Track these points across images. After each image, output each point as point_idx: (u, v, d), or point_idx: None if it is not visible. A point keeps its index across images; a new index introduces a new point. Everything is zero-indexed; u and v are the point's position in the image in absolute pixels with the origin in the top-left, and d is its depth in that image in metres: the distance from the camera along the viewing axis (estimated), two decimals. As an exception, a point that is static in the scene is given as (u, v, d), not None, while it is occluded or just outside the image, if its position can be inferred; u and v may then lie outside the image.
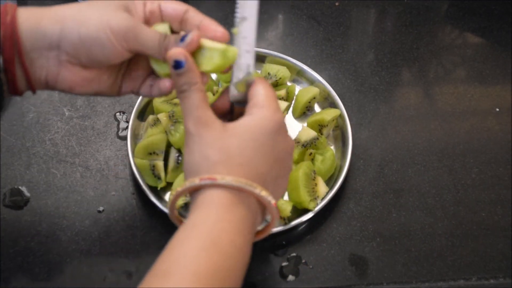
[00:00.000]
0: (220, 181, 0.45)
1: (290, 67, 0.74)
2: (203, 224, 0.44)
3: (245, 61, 0.51)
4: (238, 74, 0.51)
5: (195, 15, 0.53)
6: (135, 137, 0.67)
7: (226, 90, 0.52)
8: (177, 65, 0.48)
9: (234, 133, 0.48)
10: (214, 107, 0.51)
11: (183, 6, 0.53)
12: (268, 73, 0.73)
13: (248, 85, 0.51)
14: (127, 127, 0.67)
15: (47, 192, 0.65)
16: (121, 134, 0.70)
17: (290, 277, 0.61)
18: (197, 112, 0.48)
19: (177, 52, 0.48)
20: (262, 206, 0.49)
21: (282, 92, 0.72)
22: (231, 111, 0.53)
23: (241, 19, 0.51)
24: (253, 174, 0.47)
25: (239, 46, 0.51)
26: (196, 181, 0.46)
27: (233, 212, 0.45)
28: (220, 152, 0.46)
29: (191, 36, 0.49)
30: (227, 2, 0.85)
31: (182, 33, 0.51)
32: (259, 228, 0.51)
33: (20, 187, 0.65)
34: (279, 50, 0.76)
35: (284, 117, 0.51)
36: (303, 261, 0.62)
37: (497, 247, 0.65)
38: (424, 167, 0.71)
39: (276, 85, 0.73)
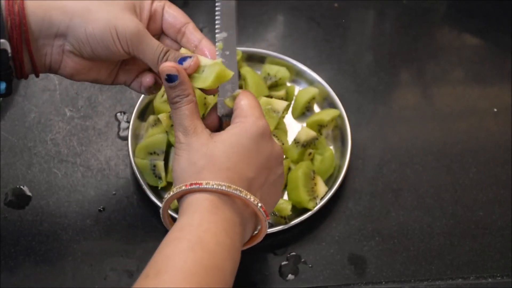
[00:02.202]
0: (204, 186, 0.47)
1: (289, 67, 0.74)
2: (189, 227, 0.46)
3: (231, 78, 0.52)
4: (226, 91, 0.53)
5: (194, 32, 0.55)
6: (136, 137, 0.68)
7: (214, 107, 0.54)
8: (170, 79, 0.50)
9: (220, 139, 0.49)
10: (205, 124, 0.52)
11: (184, 19, 0.55)
12: (268, 74, 0.73)
13: (235, 99, 0.53)
14: (128, 127, 0.68)
15: (48, 192, 0.65)
16: (122, 134, 0.71)
17: (290, 276, 0.62)
18: (187, 122, 0.50)
19: (169, 66, 0.49)
20: (253, 211, 0.50)
21: (282, 93, 0.73)
22: (221, 125, 0.55)
23: (222, 36, 0.53)
24: (239, 178, 0.48)
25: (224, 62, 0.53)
26: (183, 187, 0.48)
27: (217, 214, 0.47)
28: (206, 158, 0.48)
29: (191, 62, 0.51)
30: (227, 3, 0.85)
31: (183, 52, 0.53)
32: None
33: (21, 187, 0.65)
34: (278, 51, 0.76)
35: (266, 123, 0.51)
36: (303, 260, 0.63)
37: (495, 246, 0.65)
38: (422, 167, 0.71)
39: (276, 85, 0.73)
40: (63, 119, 0.71)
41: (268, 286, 0.61)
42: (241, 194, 0.47)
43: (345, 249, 0.64)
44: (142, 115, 0.70)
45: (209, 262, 0.44)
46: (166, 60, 0.51)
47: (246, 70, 0.71)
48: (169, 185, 0.65)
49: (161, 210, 0.51)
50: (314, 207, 0.63)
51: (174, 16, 0.55)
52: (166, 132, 0.66)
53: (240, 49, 0.73)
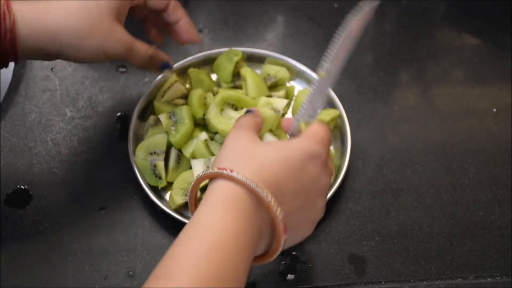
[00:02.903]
0: (234, 175, 0.45)
1: (289, 68, 0.74)
2: (209, 221, 0.44)
3: (316, 107, 0.53)
4: (306, 114, 0.53)
5: (175, 10, 0.61)
6: (136, 137, 0.68)
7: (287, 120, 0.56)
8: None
9: (268, 145, 0.49)
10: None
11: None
12: (268, 74, 0.73)
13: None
14: (128, 127, 0.68)
15: (48, 192, 0.66)
16: (122, 134, 0.71)
17: (289, 276, 0.62)
18: (246, 124, 0.52)
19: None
20: (272, 223, 0.47)
21: (282, 93, 0.73)
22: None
23: (327, 67, 0.54)
24: (272, 184, 0.46)
25: (317, 91, 0.54)
26: (215, 169, 0.46)
27: (240, 211, 0.45)
28: (248, 152, 0.48)
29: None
30: (227, 2, 0.85)
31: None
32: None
33: (22, 187, 0.66)
34: (278, 51, 0.76)
35: (324, 151, 0.50)
36: (302, 260, 0.63)
37: (495, 246, 0.65)
38: (422, 167, 0.71)
39: (276, 85, 0.73)
40: (64, 119, 0.71)
41: (268, 286, 0.61)
42: (265, 196, 0.45)
43: (345, 249, 0.64)
44: (143, 115, 0.70)
45: (225, 265, 0.42)
46: (152, 63, 0.60)
47: (246, 70, 0.71)
48: (169, 185, 0.65)
49: (188, 193, 0.51)
50: (314, 207, 0.63)
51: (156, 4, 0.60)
52: (166, 132, 0.66)
53: (240, 49, 0.73)
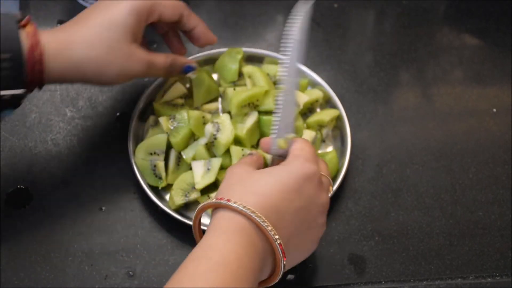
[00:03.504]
0: (231, 204, 0.47)
1: (289, 68, 0.74)
2: (215, 245, 0.46)
3: (290, 120, 0.55)
4: (282, 130, 0.54)
5: (190, 18, 0.63)
6: (136, 137, 0.68)
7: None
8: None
9: (264, 172, 0.51)
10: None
11: (179, 10, 0.62)
12: (268, 74, 0.73)
13: (289, 142, 0.54)
14: (128, 128, 0.68)
15: (49, 192, 0.66)
16: (122, 134, 0.71)
17: (289, 276, 0.62)
18: (247, 161, 0.54)
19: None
20: (272, 248, 0.48)
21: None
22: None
23: (287, 78, 0.55)
24: (269, 208, 0.48)
25: (285, 104, 0.55)
26: (213, 200, 0.49)
27: (243, 237, 0.46)
28: (244, 182, 0.50)
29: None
30: (227, 2, 0.85)
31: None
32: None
33: (22, 187, 0.66)
34: (278, 51, 0.76)
35: (316, 168, 0.51)
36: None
37: (494, 246, 0.65)
38: (422, 167, 0.71)
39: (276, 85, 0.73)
40: (64, 119, 0.71)
41: (267, 286, 0.61)
42: (261, 222, 0.47)
43: (345, 249, 0.64)
44: (143, 115, 0.70)
45: (231, 284, 0.44)
46: (173, 70, 0.63)
47: (249, 68, 0.71)
48: (169, 185, 0.65)
49: (192, 221, 0.52)
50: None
51: (169, 14, 0.62)
52: (167, 132, 0.66)
53: (240, 49, 0.73)
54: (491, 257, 0.64)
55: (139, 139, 0.68)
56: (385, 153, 0.72)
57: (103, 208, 0.65)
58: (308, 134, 0.67)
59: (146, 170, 0.65)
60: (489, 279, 0.63)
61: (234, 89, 0.69)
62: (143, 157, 0.65)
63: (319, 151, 0.70)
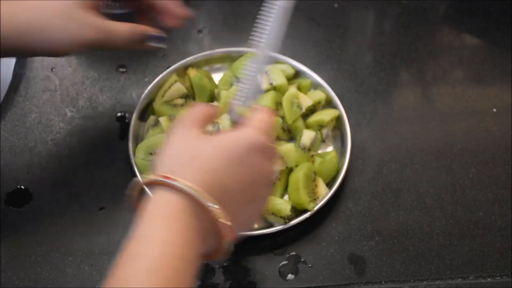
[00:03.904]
0: (177, 184, 0.43)
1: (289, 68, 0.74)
2: (151, 238, 0.42)
3: (256, 87, 0.53)
4: (246, 97, 0.53)
5: None
6: (136, 137, 0.68)
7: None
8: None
9: (211, 140, 0.47)
10: None
11: None
12: (267, 73, 0.73)
13: (252, 111, 0.52)
14: (128, 128, 0.68)
15: (48, 192, 0.66)
16: (122, 134, 0.71)
17: (290, 276, 0.62)
18: (191, 117, 0.49)
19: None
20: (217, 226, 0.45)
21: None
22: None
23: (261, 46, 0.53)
24: (216, 184, 0.45)
25: (254, 74, 0.53)
26: (153, 177, 0.45)
27: (182, 221, 0.43)
28: (189, 155, 0.46)
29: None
30: (227, 2, 0.85)
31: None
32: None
33: (22, 187, 0.66)
34: (278, 51, 0.76)
35: (265, 140, 0.49)
36: (302, 260, 0.63)
37: (495, 246, 0.65)
38: (422, 167, 0.71)
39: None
40: (64, 120, 0.71)
41: (267, 286, 0.61)
42: (209, 205, 0.43)
43: (345, 249, 0.64)
44: (143, 115, 0.70)
45: (172, 283, 0.40)
46: (133, 38, 0.57)
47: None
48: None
49: (128, 191, 0.49)
50: (314, 208, 0.63)
51: None
52: (167, 132, 0.66)
53: (240, 49, 0.73)
54: (491, 257, 0.64)
55: (139, 139, 0.68)
56: (385, 153, 0.72)
57: (103, 208, 0.65)
58: (308, 134, 0.67)
59: (146, 170, 0.65)
60: (489, 279, 0.63)
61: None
62: (143, 157, 0.65)
63: (319, 151, 0.70)
